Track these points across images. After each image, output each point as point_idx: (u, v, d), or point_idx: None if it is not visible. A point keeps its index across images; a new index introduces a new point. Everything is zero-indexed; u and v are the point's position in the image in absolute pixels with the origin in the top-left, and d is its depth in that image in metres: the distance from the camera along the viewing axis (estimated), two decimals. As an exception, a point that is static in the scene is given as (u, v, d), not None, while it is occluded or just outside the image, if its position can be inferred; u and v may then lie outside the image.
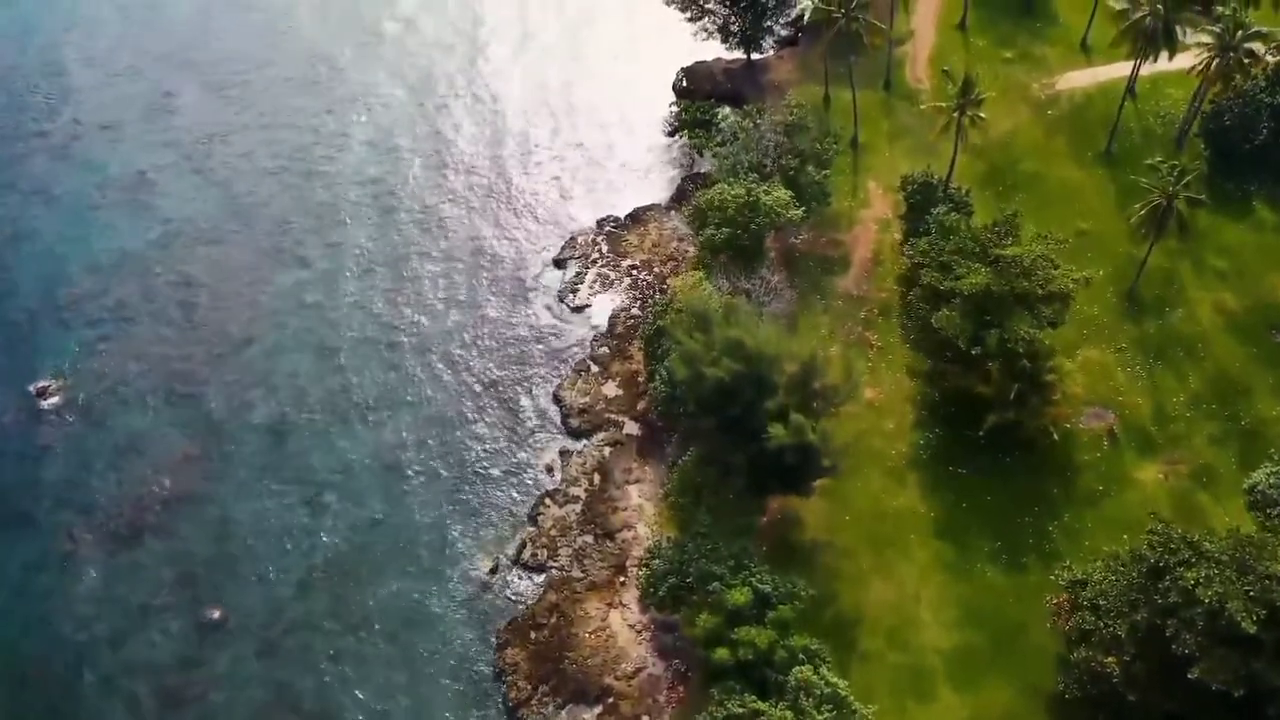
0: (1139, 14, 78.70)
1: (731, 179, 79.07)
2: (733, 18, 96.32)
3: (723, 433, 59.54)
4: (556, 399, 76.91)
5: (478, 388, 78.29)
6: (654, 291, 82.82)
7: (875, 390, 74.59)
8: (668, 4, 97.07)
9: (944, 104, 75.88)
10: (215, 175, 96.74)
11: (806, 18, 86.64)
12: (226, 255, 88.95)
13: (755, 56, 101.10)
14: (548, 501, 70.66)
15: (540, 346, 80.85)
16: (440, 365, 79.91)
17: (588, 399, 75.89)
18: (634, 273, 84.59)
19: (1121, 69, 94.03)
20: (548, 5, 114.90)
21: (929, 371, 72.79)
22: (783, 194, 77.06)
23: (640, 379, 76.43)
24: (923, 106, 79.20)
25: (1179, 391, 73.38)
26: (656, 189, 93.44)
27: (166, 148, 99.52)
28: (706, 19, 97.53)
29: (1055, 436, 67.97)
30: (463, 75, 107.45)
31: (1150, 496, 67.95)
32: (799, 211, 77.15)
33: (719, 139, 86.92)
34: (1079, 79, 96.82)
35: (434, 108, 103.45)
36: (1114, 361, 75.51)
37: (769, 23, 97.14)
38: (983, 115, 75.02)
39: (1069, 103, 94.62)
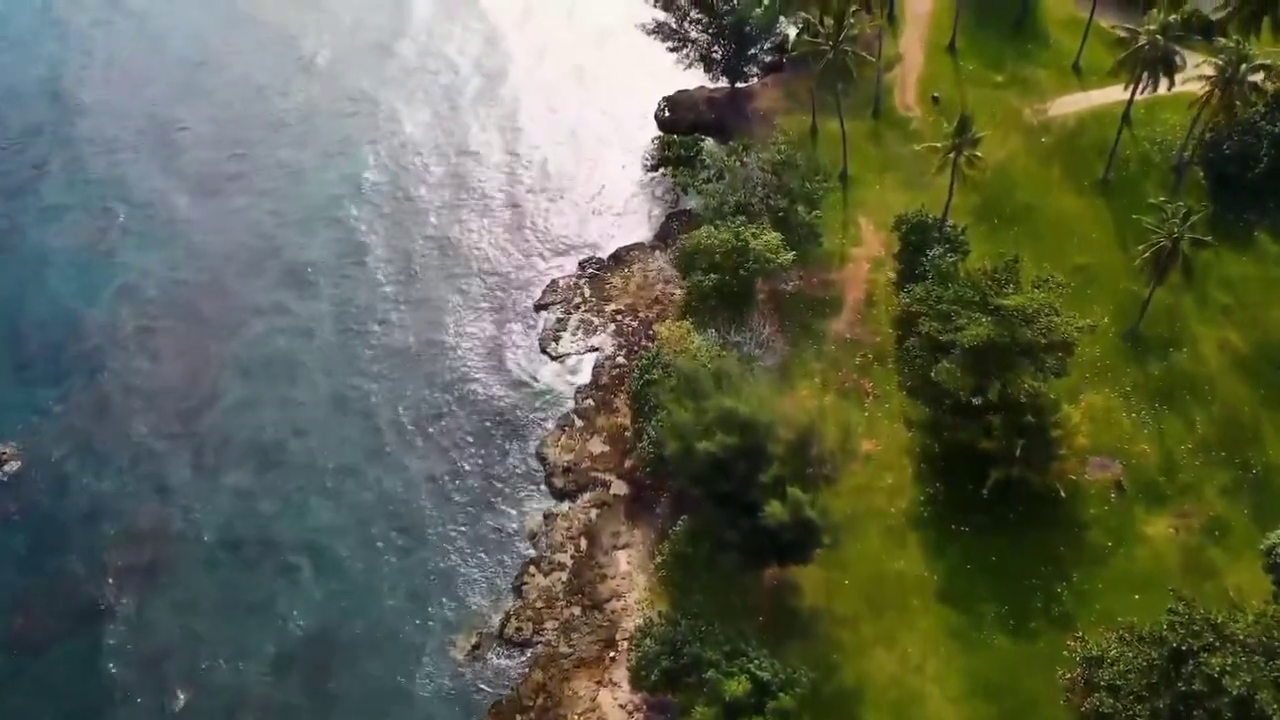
0: (1139, 43, 75.87)
1: (718, 221, 75.86)
2: (715, 47, 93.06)
3: (715, 505, 56.31)
4: (539, 457, 73.43)
5: (457, 446, 74.61)
6: (639, 338, 79.52)
7: (872, 442, 71.51)
8: (648, 34, 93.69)
9: (939, 144, 72.82)
10: (181, 219, 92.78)
11: (791, 49, 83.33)
12: (193, 304, 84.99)
13: (739, 84, 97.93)
14: (532, 570, 67.22)
15: (521, 400, 77.29)
16: (417, 422, 76.17)
17: (572, 456, 72.47)
18: (618, 318, 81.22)
19: (1116, 93, 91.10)
20: (523, 35, 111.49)
21: (928, 421, 69.89)
22: (772, 237, 73.91)
23: (627, 433, 73.08)
24: (918, 148, 76.24)
25: (1187, 438, 70.63)
26: (640, 227, 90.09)
27: (132, 190, 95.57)
28: (688, 47, 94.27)
29: (1062, 494, 64.99)
30: (435, 108, 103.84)
31: (1161, 553, 65.17)
32: (789, 256, 74.02)
33: (704, 175, 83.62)
34: (1072, 103, 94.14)
35: (406, 143, 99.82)
36: (1118, 406, 72.69)
37: (753, 50, 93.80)
38: (979, 155, 71.98)
39: (1062, 129, 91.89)
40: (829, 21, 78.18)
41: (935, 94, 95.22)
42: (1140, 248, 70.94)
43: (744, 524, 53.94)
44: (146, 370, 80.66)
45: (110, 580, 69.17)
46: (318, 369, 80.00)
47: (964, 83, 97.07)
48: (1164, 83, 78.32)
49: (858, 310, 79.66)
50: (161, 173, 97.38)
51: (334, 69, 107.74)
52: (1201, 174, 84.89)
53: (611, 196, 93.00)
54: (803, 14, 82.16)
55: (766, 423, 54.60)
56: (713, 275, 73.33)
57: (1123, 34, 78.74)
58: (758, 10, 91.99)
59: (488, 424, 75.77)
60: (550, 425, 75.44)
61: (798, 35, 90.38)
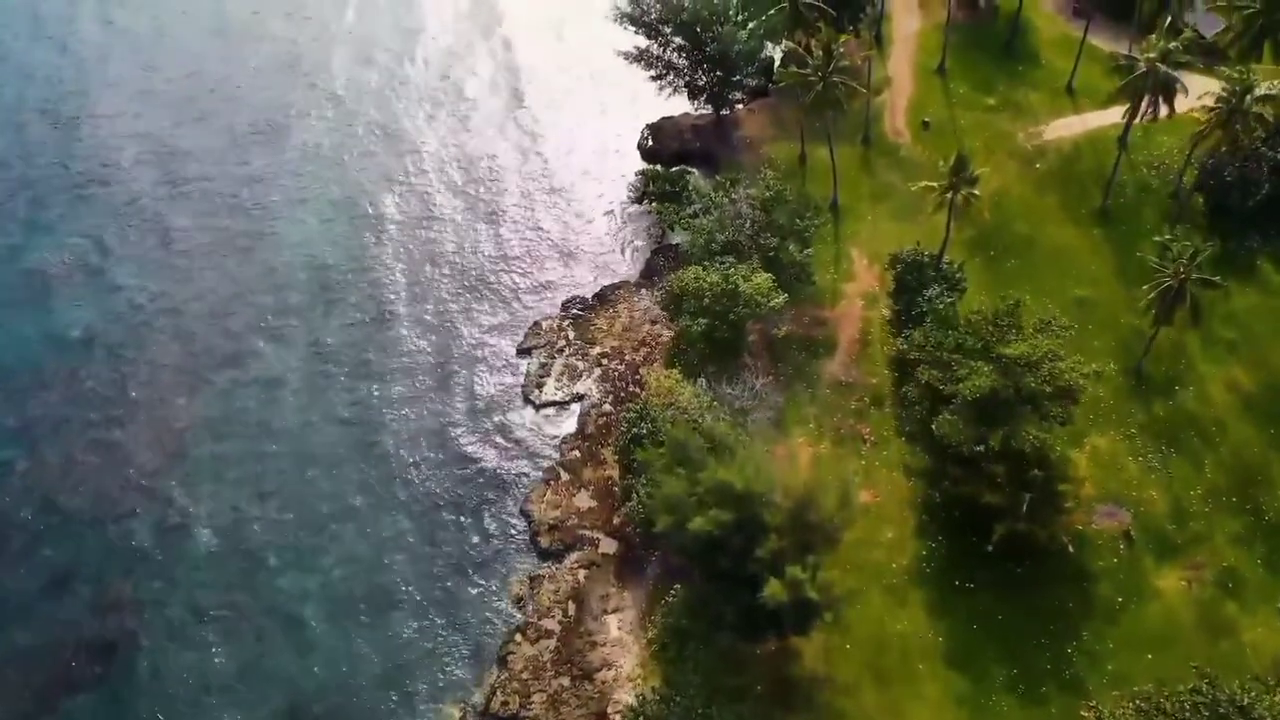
0: (1138, 70, 73.32)
1: (706, 263, 72.91)
2: (699, 74, 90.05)
3: (710, 579, 53.32)
4: (524, 513, 70.17)
5: (436, 504, 71.26)
6: (626, 383, 76.42)
7: (871, 492, 68.65)
8: (630, 62, 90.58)
9: (935, 184, 70.04)
10: (150, 258, 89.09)
11: (777, 80, 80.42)
12: (161, 351, 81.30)
13: (725, 111, 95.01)
14: (518, 638, 63.99)
15: (504, 452, 73.96)
16: (394, 478, 72.78)
17: (558, 513, 69.30)
18: (604, 362, 78.10)
19: (1111, 114, 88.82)
20: (502, 63, 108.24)
21: (928, 469, 67.18)
22: (763, 280, 71.01)
23: (615, 487, 69.94)
24: (914, 188, 73.44)
25: (1195, 483, 68.08)
26: (625, 263, 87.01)
27: (96, 227, 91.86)
28: (671, 74, 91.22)
29: (1070, 549, 62.30)
30: (410, 142, 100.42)
31: (1173, 608, 62.55)
32: (781, 299, 71.12)
33: (690, 210, 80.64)
34: (1067, 127, 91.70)
35: (380, 181, 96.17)
36: (1124, 450, 70.09)
37: (738, 77, 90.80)
38: (977, 193, 69.24)
39: (1057, 154, 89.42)
40: (817, 51, 75.25)
41: (925, 119, 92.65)
42: (1145, 287, 68.36)
43: (741, 601, 50.96)
44: (113, 425, 76.93)
45: (77, 655, 65.49)
46: (288, 422, 76.44)
47: (954, 106, 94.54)
48: (1164, 109, 75.64)
49: (852, 350, 76.83)
50: (130, 208, 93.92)
51: (310, 104, 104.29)
52: (1201, 199, 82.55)
53: (595, 231, 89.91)
54: (788, 43, 79.06)
55: (762, 494, 51.59)
56: (701, 320, 70.35)
57: (1121, 61, 76.15)
58: (742, 36, 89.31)
59: (469, 479, 72.44)
60: (535, 479, 72.17)
61: (783, 62, 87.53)
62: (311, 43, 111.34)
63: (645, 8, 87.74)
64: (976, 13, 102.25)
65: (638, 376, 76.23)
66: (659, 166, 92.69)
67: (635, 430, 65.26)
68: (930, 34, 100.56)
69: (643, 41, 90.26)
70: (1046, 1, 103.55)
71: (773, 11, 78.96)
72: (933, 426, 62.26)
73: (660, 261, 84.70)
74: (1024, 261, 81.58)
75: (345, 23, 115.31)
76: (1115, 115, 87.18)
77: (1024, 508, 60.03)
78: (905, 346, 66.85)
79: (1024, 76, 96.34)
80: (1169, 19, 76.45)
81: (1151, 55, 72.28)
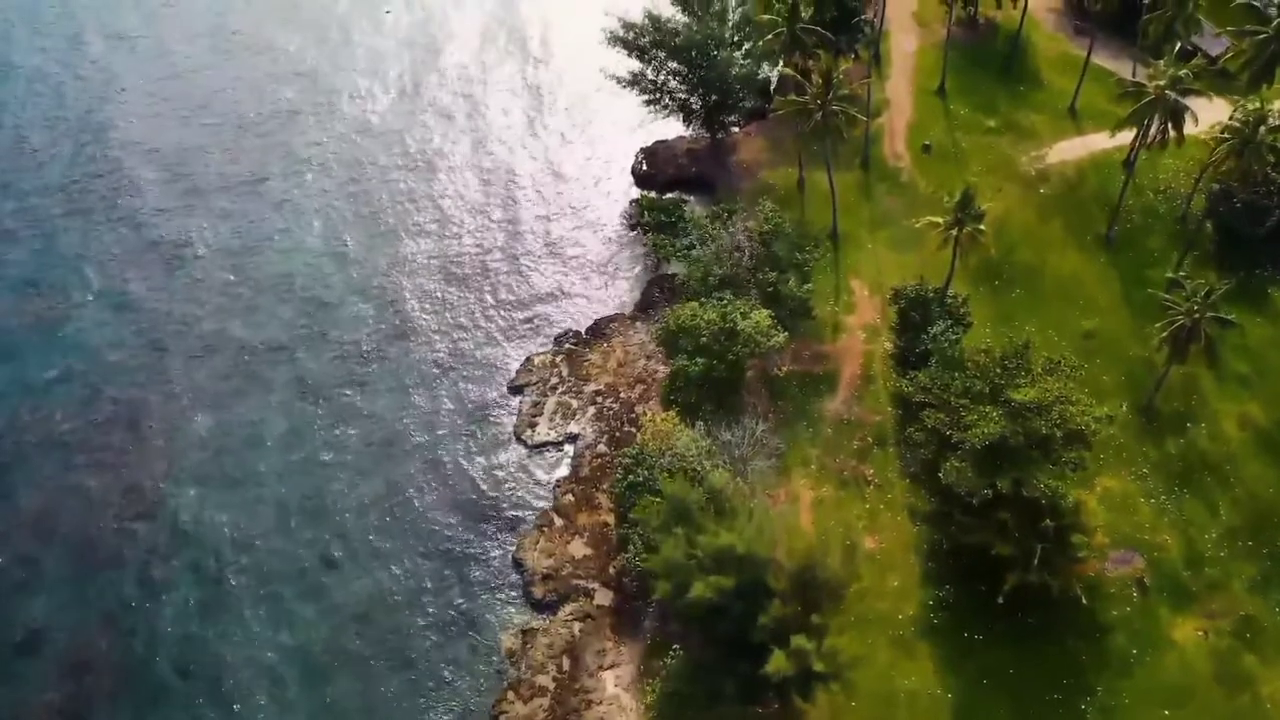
0: (1148, 98, 71.17)
1: (704, 299, 70.57)
2: (694, 99, 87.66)
3: (710, 644, 50.96)
4: (516, 562, 67.63)
5: (426, 552, 68.67)
6: (621, 422, 73.96)
7: (875, 538, 66.41)
8: (623, 87, 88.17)
9: (939, 220, 67.78)
10: (129, 294, 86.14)
11: (774, 108, 78.09)
12: (138, 394, 78.41)
13: (720, 134, 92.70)
14: (510, 695, 61.42)
15: (496, 496, 71.39)
16: (380, 526, 70.03)
17: (552, 561, 66.85)
18: (598, 400, 75.62)
19: (1115, 137, 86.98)
20: (490, 83, 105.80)
21: (934, 512, 64.89)
22: (762, 317, 68.71)
23: (610, 533, 67.59)
24: (917, 224, 71.25)
25: (1210, 526, 65.97)
26: (619, 295, 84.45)
27: (75, 262, 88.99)
28: (666, 98, 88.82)
29: (1083, 601, 60.04)
30: (394, 168, 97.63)
31: (1189, 660, 60.39)
32: (781, 337, 68.83)
33: (686, 241, 78.32)
34: (1070, 150, 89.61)
35: (365, 209, 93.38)
36: (1136, 491, 67.95)
37: (735, 102, 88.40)
38: (983, 229, 66.97)
39: (1061, 179, 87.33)
40: (816, 80, 72.96)
41: (926, 142, 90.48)
42: (1158, 325, 66.22)
43: (742, 671, 48.60)
44: (88, 473, 73.87)
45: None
46: (271, 466, 73.72)
47: (955, 129, 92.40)
48: (1172, 137, 73.46)
49: (854, 387, 74.52)
50: (106, 241, 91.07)
51: (287, 135, 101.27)
52: (1209, 226, 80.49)
53: (588, 259, 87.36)
54: (786, 69, 76.78)
55: (765, 557, 49.22)
56: (699, 360, 68.00)
57: (1129, 88, 74.00)
58: (738, 58, 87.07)
59: (459, 525, 69.86)
60: (527, 525, 69.64)
61: (779, 88, 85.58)
62: (300, 77, 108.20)
63: (638, 31, 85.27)
64: (976, 31, 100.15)
65: (633, 415, 73.80)
66: (653, 193, 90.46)
67: (631, 477, 62.95)
68: (929, 53, 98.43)
69: (636, 65, 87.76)
70: (1047, 20, 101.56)
71: (770, 36, 76.56)
72: (940, 474, 59.97)
73: (656, 293, 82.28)
74: (1029, 291, 79.46)
75: (331, 43, 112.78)
76: (1119, 137, 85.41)
77: (1035, 560, 57.77)
78: (910, 390, 64.51)
79: (1025, 97, 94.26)
80: (1177, 44, 74.28)
81: (1161, 83, 70.16)
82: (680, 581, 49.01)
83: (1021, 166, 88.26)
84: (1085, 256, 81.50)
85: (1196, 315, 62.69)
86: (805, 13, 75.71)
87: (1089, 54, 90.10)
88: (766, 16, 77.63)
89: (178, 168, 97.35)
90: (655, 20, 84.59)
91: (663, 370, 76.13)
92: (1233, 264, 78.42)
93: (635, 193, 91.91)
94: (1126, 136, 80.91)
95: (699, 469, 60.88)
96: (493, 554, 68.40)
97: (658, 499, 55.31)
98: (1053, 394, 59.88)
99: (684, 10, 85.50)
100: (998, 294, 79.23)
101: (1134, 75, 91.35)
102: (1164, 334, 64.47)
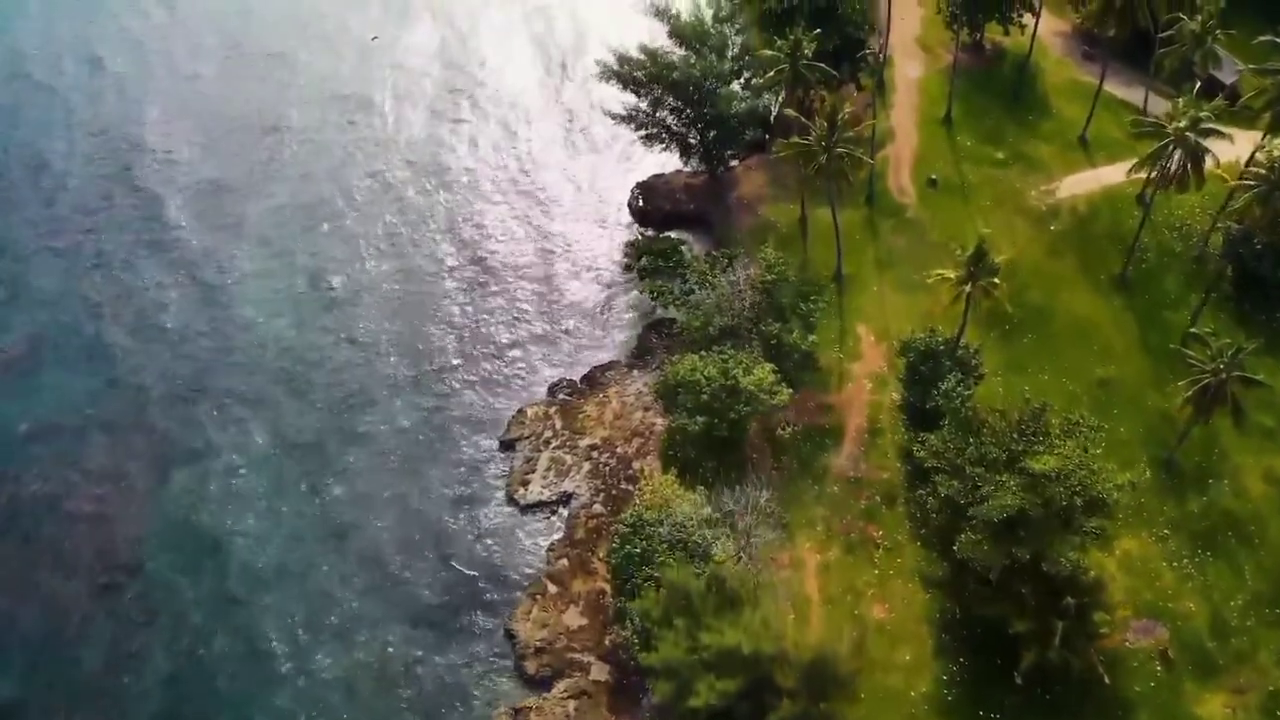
0: (1165, 140, 68.05)
1: (704, 353, 67.42)
2: (692, 133, 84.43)
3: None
4: (509, 633, 64.46)
5: (413, 623, 65.37)
6: (618, 479, 70.85)
7: (885, 607, 63.33)
8: (617, 122, 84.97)
9: (951, 274, 64.63)
10: (106, 337, 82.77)
11: (776, 150, 74.87)
12: (111, 450, 75.11)
13: (720, 168, 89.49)
14: (502, 784, 58.47)
15: (487, 561, 68.18)
16: (364, 593, 66.79)
17: (545, 633, 63.65)
18: (594, 454, 72.45)
19: (1128, 168, 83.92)
20: (479, 114, 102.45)
21: (947, 579, 61.83)
22: (765, 373, 65.60)
23: (606, 601, 64.43)
24: (929, 280, 68.00)
25: (1236, 591, 62.96)
26: (615, 341, 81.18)
27: (48, 307, 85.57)
28: (663, 132, 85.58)
29: (1106, 680, 56.99)
30: (380, 203, 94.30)
31: (1218, 740, 57.46)
32: (785, 394, 65.71)
33: (685, 286, 75.23)
34: (1081, 183, 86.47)
35: (351, 249, 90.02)
36: (1157, 554, 64.93)
37: (735, 137, 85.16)
38: (997, 282, 63.83)
39: (1072, 214, 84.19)
40: (820, 122, 69.77)
41: (932, 175, 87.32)
42: (1181, 384, 63.19)
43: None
44: (62, 530, 70.83)
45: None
46: (250, 526, 70.43)
47: (962, 161, 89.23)
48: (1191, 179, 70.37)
49: (861, 441, 71.38)
50: (81, 285, 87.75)
51: (270, 171, 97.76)
52: (1228, 267, 77.34)
53: (582, 303, 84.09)
54: (788, 110, 73.58)
55: (772, 654, 46.15)
56: (699, 418, 64.85)
57: (1146, 126, 70.89)
58: (737, 90, 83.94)
59: (448, 592, 66.67)
60: (520, 592, 66.45)
61: (779, 126, 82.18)
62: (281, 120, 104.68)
63: (633, 66, 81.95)
64: (982, 57, 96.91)
65: (630, 471, 70.74)
66: (650, 230, 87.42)
67: (629, 547, 59.76)
68: (934, 80, 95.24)
69: (631, 99, 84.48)
70: (1054, 44, 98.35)
71: (771, 74, 73.38)
72: (955, 548, 56.87)
73: (653, 339, 79.16)
74: (1041, 336, 76.33)
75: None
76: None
77: (1057, 639, 54.74)
78: (922, 455, 61.34)
79: (1034, 127, 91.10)
80: (1197, 84, 71.20)
81: (1181, 124, 67.01)
82: (682, 682, 45.94)
83: (1031, 201, 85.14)
84: (1099, 298, 78.38)
85: (1223, 375, 59.62)
86: (808, 49, 72.39)
87: (1100, 83, 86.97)
88: (768, 52, 74.43)
89: (149, 211, 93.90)
90: (652, 55, 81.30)
91: (661, 423, 73.00)
92: (1252, 307, 75.57)
93: (631, 229, 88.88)
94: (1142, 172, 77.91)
95: (700, 541, 57.78)
96: (483, 624, 65.25)
97: (656, 590, 52.10)
98: (1073, 461, 56.74)
99: (682, 44, 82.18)
100: (1009, 339, 76.10)
101: (1146, 104, 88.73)
102: (1188, 393, 61.36)
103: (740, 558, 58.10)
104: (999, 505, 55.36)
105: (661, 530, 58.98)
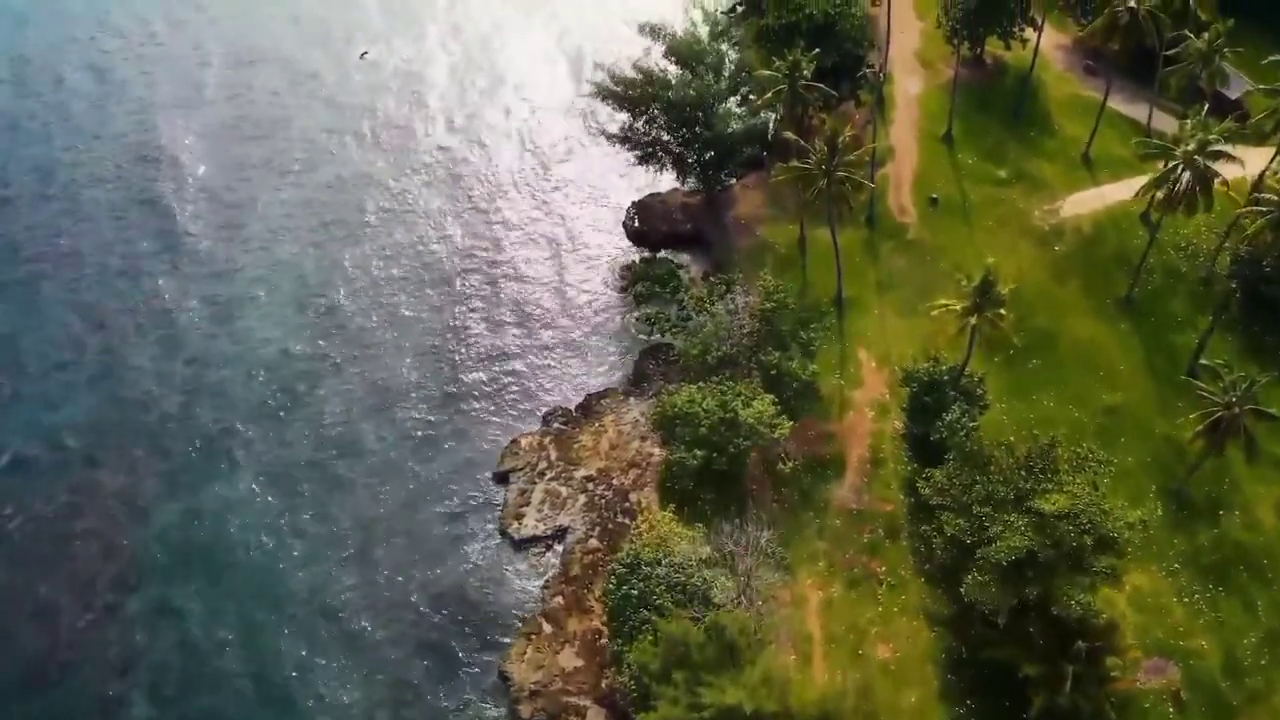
0: (1172, 163, 66.47)
1: (702, 383, 65.72)
2: (689, 152, 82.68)
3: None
4: (503, 675, 62.63)
5: (403, 664, 63.45)
6: (615, 512, 69.06)
7: (889, 646, 61.61)
8: (612, 144, 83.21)
9: (956, 305, 62.94)
10: (86, 370, 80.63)
11: (774, 174, 73.18)
12: (93, 484, 73.06)
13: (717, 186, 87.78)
14: (497, 834, 56.71)
15: (479, 599, 66.26)
16: (354, 632, 64.82)
17: (540, 674, 61.84)
18: (590, 487, 70.66)
19: (1132, 186, 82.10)
20: (470, 132, 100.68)
21: (953, 617, 60.24)
22: (765, 405, 63.98)
23: (603, 642, 62.62)
24: (934, 313, 66.23)
25: (1249, 628, 61.38)
26: (610, 367, 79.38)
27: (27, 333, 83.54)
28: (658, 151, 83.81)
29: (1117, 723, 55.42)
30: (369, 222, 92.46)
31: (1233, 787, 55.86)
32: (786, 427, 64.05)
33: (682, 313, 73.51)
34: (1085, 202, 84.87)
35: (338, 276, 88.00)
36: (1167, 589, 63.31)
37: (733, 156, 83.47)
38: (1003, 313, 62.18)
39: (1076, 235, 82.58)
40: (819, 144, 68.10)
41: (933, 195, 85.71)
42: (1193, 416, 61.57)
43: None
44: (40, 570, 68.69)
45: None
46: (237, 562, 68.50)
47: (963, 179, 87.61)
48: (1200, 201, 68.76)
49: (863, 471, 69.68)
50: (59, 310, 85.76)
51: (253, 192, 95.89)
52: (1233, 286, 75.76)
53: (577, 328, 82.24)
54: (787, 133, 71.87)
55: (775, 714, 44.43)
56: (698, 452, 63.14)
57: (1152, 148, 69.31)
58: (733, 108, 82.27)
59: (440, 633, 64.80)
60: (514, 631, 64.57)
61: (776, 141, 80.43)
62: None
63: (628, 84, 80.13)
64: (983, 72, 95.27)
65: (627, 504, 68.98)
66: (645, 251, 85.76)
67: (625, 588, 58.01)
68: (934, 96, 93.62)
69: (626, 118, 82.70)
70: (1056, 58, 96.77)
71: (769, 94, 71.67)
72: (962, 590, 55.27)
73: (650, 365, 77.35)
74: (1045, 361, 74.69)
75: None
76: (1136, 187, 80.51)
77: (1068, 684, 53.08)
78: (928, 492, 59.65)
79: (1036, 144, 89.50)
80: (1205, 105, 69.65)
81: (1189, 148, 65.43)
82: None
83: (1034, 221, 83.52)
84: (1104, 322, 76.76)
85: (1235, 409, 58.01)
86: (807, 69, 70.71)
87: (1104, 100, 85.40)
88: (766, 72, 72.76)
89: (129, 235, 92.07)
90: (647, 74, 79.51)
91: (658, 453, 71.23)
92: (1261, 330, 74.07)
93: (627, 250, 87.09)
94: (1146, 194, 76.35)
95: (699, 583, 56.07)
96: (476, 665, 63.41)
97: (654, 640, 50.35)
98: (1083, 499, 55.11)
99: (678, 63, 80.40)
100: (1013, 364, 74.45)
101: (1150, 120, 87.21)
102: (1200, 426, 59.74)
103: (740, 600, 56.32)
104: (1007, 547, 53.77)
105: (659, 571, 57.27)
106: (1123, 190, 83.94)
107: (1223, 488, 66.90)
